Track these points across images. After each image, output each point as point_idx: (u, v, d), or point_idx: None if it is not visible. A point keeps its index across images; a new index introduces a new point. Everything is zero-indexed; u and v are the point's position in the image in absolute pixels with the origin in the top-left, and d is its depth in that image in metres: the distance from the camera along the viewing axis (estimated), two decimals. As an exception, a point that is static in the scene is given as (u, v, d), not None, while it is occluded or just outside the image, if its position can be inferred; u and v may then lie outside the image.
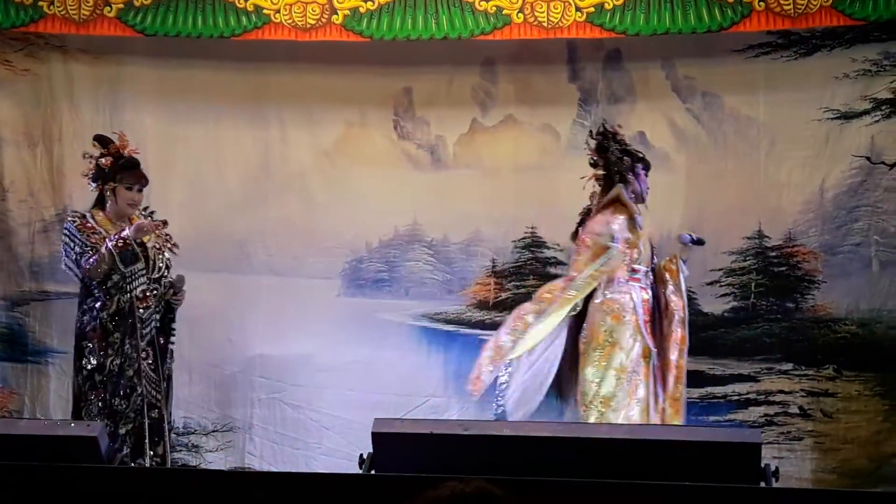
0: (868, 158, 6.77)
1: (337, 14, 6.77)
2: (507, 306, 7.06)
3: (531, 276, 6.92)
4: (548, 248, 7.02)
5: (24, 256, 7.31)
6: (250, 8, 6.80)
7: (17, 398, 7.27)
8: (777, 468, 3.89)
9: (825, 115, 6.80)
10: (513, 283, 7.16)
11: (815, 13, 6.45)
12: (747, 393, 6.85)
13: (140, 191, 6.07)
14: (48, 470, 4.11)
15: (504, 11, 6.67)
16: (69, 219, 6.07)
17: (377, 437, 4.11)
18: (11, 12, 6.90)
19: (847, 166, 6.80)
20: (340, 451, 6.76)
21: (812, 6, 6.41)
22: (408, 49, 7.00)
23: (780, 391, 6.83)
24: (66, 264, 6.13)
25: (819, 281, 6.86)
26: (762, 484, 3.85)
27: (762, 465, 3.87)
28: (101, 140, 6.14)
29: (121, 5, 6.86)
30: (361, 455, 4.21)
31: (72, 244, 5.97)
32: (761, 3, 6.45)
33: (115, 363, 5.85)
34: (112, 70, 7.36)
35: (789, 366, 6.84)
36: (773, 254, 6.93)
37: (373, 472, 4.09)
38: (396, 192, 7.27)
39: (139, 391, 5.85)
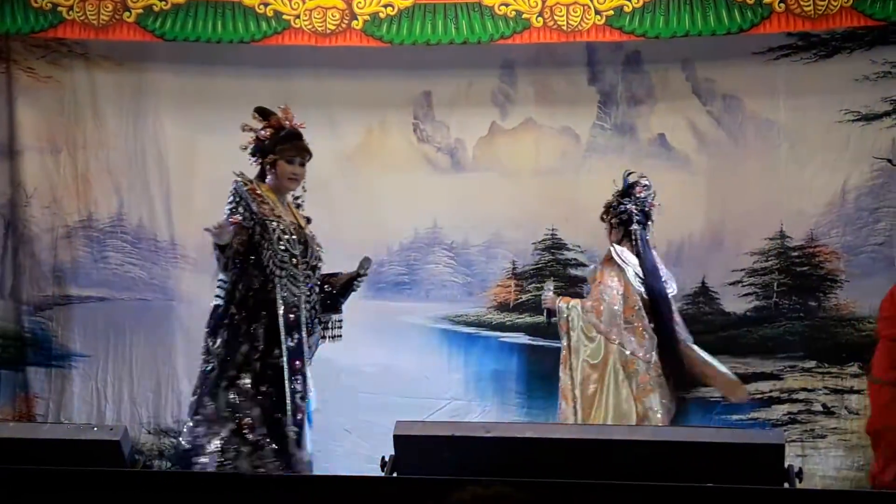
0: (890, 161, 6.76)
1: (357, 19, 6.79)
2: (528, 308, 7.08)
3: (552, 278, 6.92)
4: (568, 249, 7.02)
5: (47, 262, 7.36)
6: (270, 13, 6.83)
7: (41, 402, 7.31)
8: (801, 469, 3.89)
9: (846, 117, 6.78)
10: (533, 284, 7.16)
11: (835, 14, 6.44)
12: (770, 391, 6.84)
13: (302, 164, 5.65)
14: (71, 474, 4.13)
15: (523, 15, 6.68)
16: (237, 179, 5.54)
17: (399, 440, 4.12)
18: (31, 18, 6.95)
19: (868, 168, 6.79)
20: (362, 454, 6.76)
21: (832, 7, 6.40)
22: (427, 53, 7.02)
23: (804, 389, 6.82)
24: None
25: (841, 280, 6.85)
26: (786, 485, 3.84)
27: (786, 467, 3.86)
28: (261, 112, 5.76)
29: (140, 10, 6.90)
30: (383, 457, 4.22)
31: (236, 206, 5.45)
32: (781, 5, 6.44)
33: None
34: (134, 77, 7.41)
35: (812, 363, 6.83)
36: (796, 254, 6.92)
37: (395, 474, 4.10)
38: (416, 195, 7.29)
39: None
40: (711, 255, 7.02)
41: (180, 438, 5.50)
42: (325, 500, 4.01)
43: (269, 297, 5.41)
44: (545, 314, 6.12)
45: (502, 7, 6.71)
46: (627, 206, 6.10)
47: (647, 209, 6.13)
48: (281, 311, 5.39)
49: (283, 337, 5.39)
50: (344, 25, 6.80)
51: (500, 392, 6.88)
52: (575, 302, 6.04)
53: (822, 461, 6.67)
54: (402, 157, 7.38)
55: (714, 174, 7.07)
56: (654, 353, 5.96)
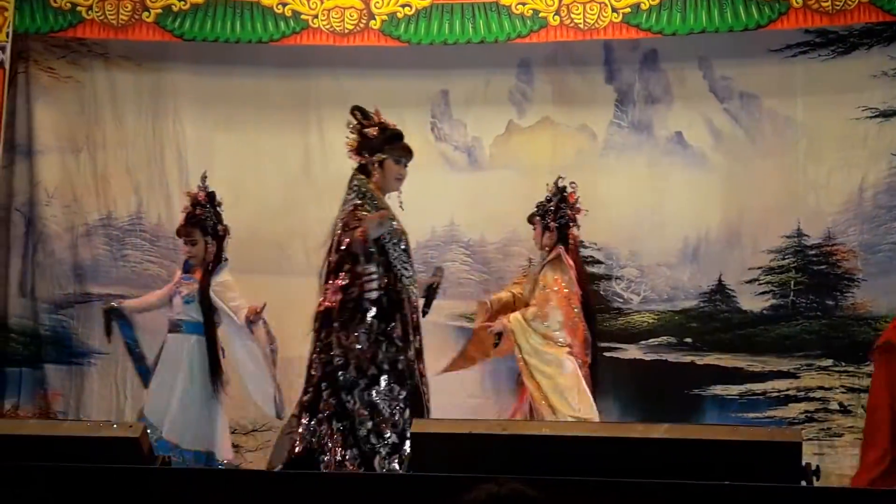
0: (908, 158, 6.74)
1: (375, 19, 6.82)
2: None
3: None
4: (584, 247, 7.02)
5: (67, 260, 7.40)
6: (288, 13, 6.86)
7: (61, 399, 7.35)
8: (818, 467, 3.88)
9: (864, 113, 6.77)
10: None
11: (853, 10, 6.43)
12: (787, 389, 6.83)
13: (405, 165, 5.71)
14: (91, 471, 4.16)
15: (540, 14, 6.69)
16: (360, 176, 5.61)
17: (416, 437, 4.14)
18: (51, 17, 7.00)
19: (886, 165, 6.77)
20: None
21: (850, 3, 6.41)
22: (444, 52, 7.03)
23: (820, 387, 6.80)
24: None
25: (859, 279, 6.83)
26: (803, 483, 3.83)
27: (803, 465, 3.86)
28: (361, 111, 5.77)
29: (159, 10, 6.94)
30: (400, 454, 4.24)
31: (362, 202, 5.54)
32: (798, 1, 6.43)
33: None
34: (153, 76, 7.45)
35: (829, 362, 6.82)
36: (813, 252, 6.90)
37: (411, 471, 4.11)
38: (433, 193, 7.28)
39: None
40: (728, 252, 7.02)
41: (291, 435, 5.45)
42: (344, 496, 4.03)
43: (399, 298, 5.46)
44: (497, 338, 6.20)
45: (519, 6, 6.72)
46: (565, 210, 6.21)
47: (576, 214, 6.25)
48: (408, 313, 5.44)
49: (411, 338, 5.44)
50: (362, 25, 6.83)
51: (516, 389, 6.86)
52: (516, 315, 6.11)
53: (838, 459, 6.65)
54: (419, 155, 7.32)
55: (731, 172, 7.06)
56: (589, 354, 6.10)
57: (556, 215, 6.22)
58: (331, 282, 5.47)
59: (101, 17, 6.94)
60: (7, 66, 6.84)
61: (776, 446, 3.94)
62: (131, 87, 7.44)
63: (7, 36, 6.83)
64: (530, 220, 6.37)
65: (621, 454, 3.94)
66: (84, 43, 7.31)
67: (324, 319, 5.43)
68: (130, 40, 7.08)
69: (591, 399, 6.01)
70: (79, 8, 6.96)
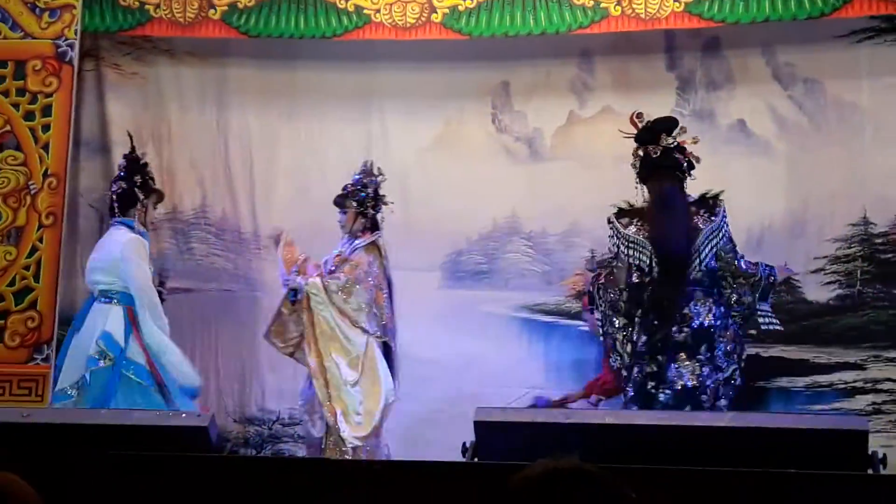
0: (976, 142, 6.63)
1: (436, 12, 6.85)
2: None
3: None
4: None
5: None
6: (351, 8, 6.92)
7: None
8: (885, 455, 3.84)
9: (931, 99, 6.67)
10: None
11: (920, -4, 6.33)
12: (854, 381, 6.74)
13: None
14: (160, 459, 4.23)
15: (601, 4, 6.68)
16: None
17: (479, 426, 4.15)
18: (119, 16, 7.11)
19: (954, 150, 6.67)
20: (442, 443, 6.79)
21: (917, -11, 6.30)
22: (506, 44, 7.04)
23: (888, 379, 6.71)
24: None
25: (928, 268, 6.74)
26: (869, 471, 3.80)
27: (869, 453, 3.82)
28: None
29: (225, 7, 7.03)
30: (464, 443, 4.26)
31: None
32: (864, -12, 6.36)
33: None
34: (217, 71, 7.54)
35: (897, 353, 6.73)
36: (880, 240, 6.81)
37: (475, 460, 4.14)
38: (495, 184, 7.31)
39: None
40: (792, 242, 6.94)
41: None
42: (409, 485, 4.07)
43: None
44: (291, 294, 6.28)
45: (580, -4, 6.71)
46: (381, 198, 6.38)
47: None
48: None
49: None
50: (424, 19, 6.86)
51: (579, 381, 6.85)
52: (316, 281, 6.20)
53: (907, 451, 6.57)
54: (480, 147, 7.42)
55: (795, 159, 6.99)
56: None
57: (375, 203, 6.37)
58: None
59: (168, 16, 7.05)
60: (76, 64, 6.96)
61: (842, 434, 3.90)
62: (196, 82, 7.55)
63: (75, 34, 6.95)
64: (341, 204, 6.39)
65: (686, 443, 3.94)
66: (150, 39, 7.42)
67: None
68: (196, 37, 7.18)
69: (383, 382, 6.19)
70: (147, 6, 7.06)
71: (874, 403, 6.71)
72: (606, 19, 6.69)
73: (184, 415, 4.91)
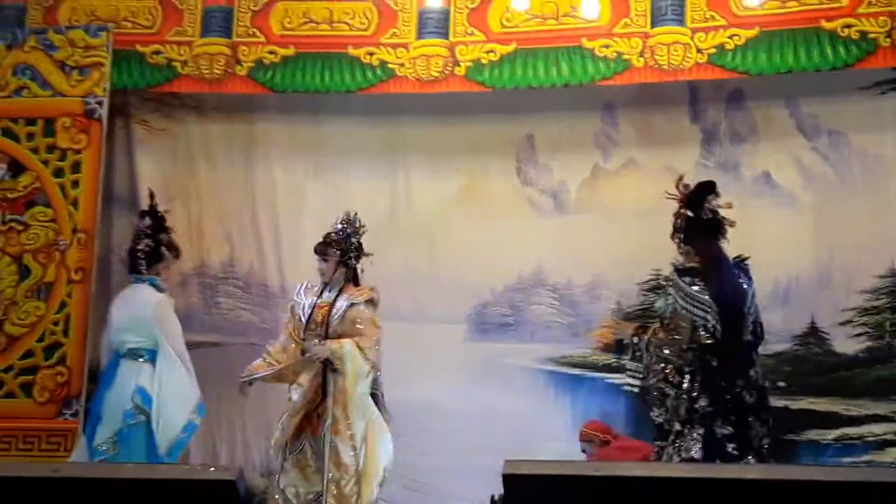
0: None
1: (459, 65, 6.92)
2: (633, 349, 7.03)
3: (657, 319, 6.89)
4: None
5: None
6: (376, 63, 7.00)
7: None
8: (917, 509, 3.80)
9: (954, 150, 6.66)
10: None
11: (942, 48, 6.35)
12: (884, 433, 6.67)
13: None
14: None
15: (624, 56, 6.72)
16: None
17: (508, 479, 4.12)
18: (147, 73, 7.22)
19: (981, 202, 6.64)
20: (468, 496, 6.76)
21: (940, 41, 6.32)
22: (529, 96, 7.09)
23: (919, 432, 6.65)
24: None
25: (956, 318, 6.69)
26: (902, 525, 3.76)
27: (902, 506, 3.78)
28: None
29: (251, 63, 7.12)
30: (493, 496, 4.24)
31: None
32: (887, 40, 6.38)
33: None
34: (245, 128, 7.63)
35: (928, 406, 6.66)
36: (907, 292, 6.78)
37: (505, 513, 4.11)
38: (520, 237, 7.33)
39: None
40: (820, 294, 6.91)
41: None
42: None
43: None
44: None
45: (603, 49, 6.76)
46: (361, 250, 6.17)
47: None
48: None
49: None
50: (447, 72, 6.93)
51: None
52: (351, 342, 5.98)
53: (938, 504, 6.47)
54: (505, 200, 7.45)
55: (821, 211, 6.98)
56: None
57: (358, 253, 6.20)
58: None
59: (195, 72, 7.15)
60: (105, 120, 7.04)
61: (874, 487, 3.86)
62: (223, 138, 7.63)
63: (104, 91, 7.04)
64: (323, 252, 6.22)
65: (715, 495, 3.90)
66: (177, 96, 7.52)
67: None
68: (223, 93, 7.26)
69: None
70: (174, 63, 7.16)
71: (906, 456, 6.64)
72: (629, 70, 6.73)
73: (212, 469, 4.91)
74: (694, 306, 5.62)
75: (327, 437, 5.89)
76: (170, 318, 6.34)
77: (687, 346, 5.62)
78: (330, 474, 5.90)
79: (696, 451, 5.58)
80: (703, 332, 5.60)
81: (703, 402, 5.63)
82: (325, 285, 6.20)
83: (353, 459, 5.94)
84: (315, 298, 6.11)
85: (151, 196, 6.64)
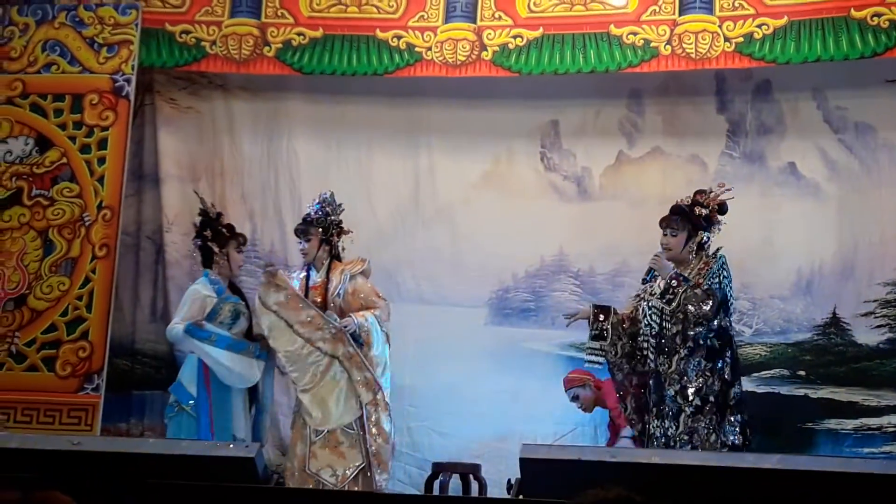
0: None
1: (486, 50, 6.91)
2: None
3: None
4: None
5: (187, 286, 7.57)
6: (403, 46, 7.00)
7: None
8: (934, 501, 3.80)
9: (981, 143, 6.62)
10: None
11: (970, 38, 6.31)
12: (905, 424, 6.67)
13: (674, 235, 6.04)
14: (208, 489, 4.26)
15: (652, 44, 6.70)
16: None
17: (525, 463, 4.16)
18: (176, 52, 7.24)
19: None
20: (488, 479, 6.79)
21: (968, 31, 6.27)
22: (555, 82, 7.08)
23: (938, 423, 6.63)
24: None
25: (978, 311, 6.66)
26: (918, 518, 3.76)
27: (919, 499, 3.78)
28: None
29: (279, 45, 7.13)
30: (509, 480, 4.27)
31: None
32: (916, 28, 6.34)
33: None
34: (270, 106, 7.65)
35: (947, 397, 6.64)
36: (930, 284, 6.75)
37: (521, 496, 4.14)
38: (543, 222, 7.32)
39: None
40: (843, 285, 6.90)
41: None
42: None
43: None
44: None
45: (630, 36, 6.74)
46: (340, 226, 6.58)
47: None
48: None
49: None
50: (474, 56, 6.92)
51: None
52: (371, 313, 6.40)
53: (957, 496, 6.46)
54: (529, 185, 7.44)
55: (845, 202, 6.95)
56: None
57: (339, 231, 6.55)
58: None
59: (224, 52, 7.17)
60: (132, 98, 7.09)
61: (891, 479, 3.87)
62: (248, 117, 7.66)
63: (132, 69, 7.08)
64: (305, 232, 6.51)
65: (732, 484, 3.92)
66: (204, 74, 7.54)
67: None
68: (250, 73, 7.29)
69: None
70: (203, 43, 7.18)
71: (924, 447, 6.63)
72: (656, 58, 6.71)
73: (231, 445, 4.95)
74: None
75: (367, 411, 6.22)
76: (183, 301, 6.64)
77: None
78: (373, 447, 6.09)
79: (735, 438, 5.69)
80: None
81: (736, 389, 5.79)
82: (308, 266, 6.40)
83: (390, 425, 6.27)
84: (304, 279, 6.31)
85: (202, 201, 6.82)
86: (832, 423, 6.76)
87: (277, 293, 6.32)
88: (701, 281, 5.80)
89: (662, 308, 5.81)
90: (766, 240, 7.05)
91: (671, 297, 5.78)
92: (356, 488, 6.14)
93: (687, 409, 5.73)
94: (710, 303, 5.77)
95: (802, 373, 6.89)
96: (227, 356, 6.46)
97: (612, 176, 7.35)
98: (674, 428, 5.73)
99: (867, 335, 6.81)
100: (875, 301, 6.82)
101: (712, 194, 6.01)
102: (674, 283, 5.81)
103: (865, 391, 6.73)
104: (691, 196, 6.02)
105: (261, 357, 6.55)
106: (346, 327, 6.30)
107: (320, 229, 6.52)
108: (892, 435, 6.68)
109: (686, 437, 5.71)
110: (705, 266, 5.85)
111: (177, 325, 6.52)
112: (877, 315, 6.81)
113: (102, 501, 3.96)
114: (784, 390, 6.82)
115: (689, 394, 5.74)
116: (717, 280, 5.81)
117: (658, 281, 5.99)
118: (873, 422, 6.73)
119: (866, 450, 6.67)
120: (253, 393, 6.59)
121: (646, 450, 5.52)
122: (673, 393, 5.76)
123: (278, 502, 4.34)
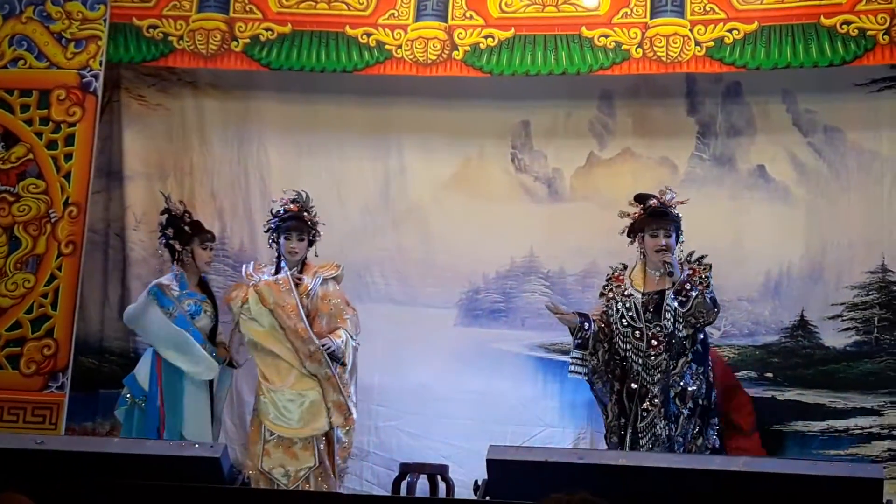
0: None
1: (457, 50, 6.89)
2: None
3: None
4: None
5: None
6: (373, 43, 6.97)
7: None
8: (899, 505, 3.82)
9: (949, 148, 6.66)
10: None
11: (939, 46, 6.35)
12: (870, 427, 6.71)
13: (668, 236, 5.94)
14: (173, 489, 4.24)
15: (623, 46, 6.71)
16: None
17: (492, 464, 4.15)
18: (143, 47, 7.18)
19: (973, 201, 6.65)
20: (456, 480, 6.78)
21: (937, 39, 6.31)
22: (526, 83, 7.07)
23: (905, 426, 6.68)
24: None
25: (945, 316, 6.71)
26: (884, 520, 3.78)
27: (884, 501, 3.80)
28: (640, 198, 6.09)
29: (247, 40, 7.09)
30: (476, 481, 4.26)
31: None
32: (885, 37, 6.38)
33: None
34: (240, 105, 7.60)
35: (915, 400, 6.69)
36: (898, 288, 6.80)
37: (487, 498, 4.13)
38: (513, 223, 7.33)
39: None
40: (811, 288, 6.94)
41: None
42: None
43: None
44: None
45: (602, 38, 6.74)
46: (316, 221, 6.51)
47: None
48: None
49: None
50: (445, 55, 6.91)
51: (594, 420, 6.83)
52: (345, 331, 6.33)
53: (922, 499, 6.51)
54: (499, 186, 7.44)
55: (814, 206, 7.00)
56: None
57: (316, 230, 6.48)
58: None
59: (191, 47, 7.11)
60: (100, 94, 7.03)
61: (857, 482, 3.88)
62: (218, 114, 7.60)
63: (100, 65, 7.02)
64: (300, 229, 6.42)
65: (700, 486, 3.92)
66: (174, 71, 7.49)
67: None
68: (219, 69, 7.24)
69: None
70: (170, 38, 7.13)
71: (890, 450, 6.67)
72: (627, 61, 6.71)
73: (196, 445, 4.92)
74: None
75: (338, 434, 6.28)
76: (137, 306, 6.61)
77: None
78: (340, 463, 6.13)
79: (716, 440, 5.87)
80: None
81: (714, 392, 5.92)
82: (280, 264, 6.36)
83: (348, 437, 6.31)
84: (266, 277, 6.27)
85: (166, 199, 6.73)
86: (799, 425, 6.80)
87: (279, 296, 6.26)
88: (703, 288, 5.80)
89: (676, 309, 5.79)
90: (734, 242, 7.07)
91: (683, 299, 5.77)
92: (308, 488, 6.10)
93: (685, 411, 5.77)
94: (716, 311, 5.85)
95: (770, 375, 6.93)
96: (180, 334, 6.38)
97: (583, 177, 7.36)
98: (673, 429, 5.77)
99: (835, 338, 6.85)
100: (843, 304, 6.86)
101: (671, 198, 6.02)
102: (687, 286, 5.79)
103: (832, 393, 6.77)
104: (659, 198, 6.01)
105: (218, 361, 6.46)
106: (325, 346, 6.22)
107: (312, 230, 6.46)
108: (858, 437, 6.73)
109: (680, 440, 5.76)
110: (693, 272, 5.84)
111: (139, 298, 6.47)
112: (844, 318, 6.86)
113: (66, 502, 3.92)
114: (752, 392, 6.84)
115: (688, 397, 5.79)
116: (711, 289, 5.83)
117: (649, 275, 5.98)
118: (840, 424, 6.77)
119: (833, 452, 6.72)
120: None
121: (613, 451, 5.52)
122: (673, 395, 5.78)
123: (243, 502, 4.31)
